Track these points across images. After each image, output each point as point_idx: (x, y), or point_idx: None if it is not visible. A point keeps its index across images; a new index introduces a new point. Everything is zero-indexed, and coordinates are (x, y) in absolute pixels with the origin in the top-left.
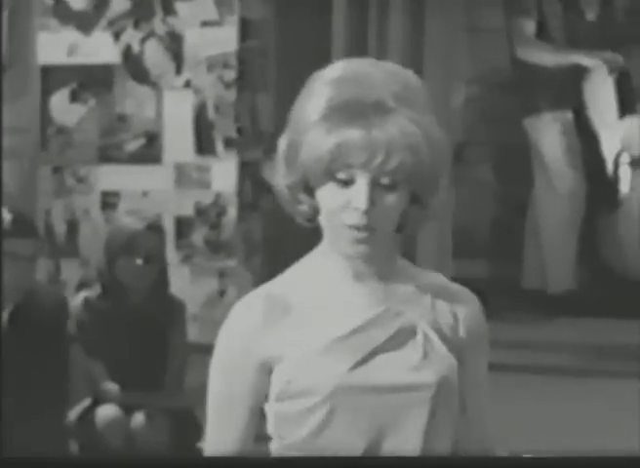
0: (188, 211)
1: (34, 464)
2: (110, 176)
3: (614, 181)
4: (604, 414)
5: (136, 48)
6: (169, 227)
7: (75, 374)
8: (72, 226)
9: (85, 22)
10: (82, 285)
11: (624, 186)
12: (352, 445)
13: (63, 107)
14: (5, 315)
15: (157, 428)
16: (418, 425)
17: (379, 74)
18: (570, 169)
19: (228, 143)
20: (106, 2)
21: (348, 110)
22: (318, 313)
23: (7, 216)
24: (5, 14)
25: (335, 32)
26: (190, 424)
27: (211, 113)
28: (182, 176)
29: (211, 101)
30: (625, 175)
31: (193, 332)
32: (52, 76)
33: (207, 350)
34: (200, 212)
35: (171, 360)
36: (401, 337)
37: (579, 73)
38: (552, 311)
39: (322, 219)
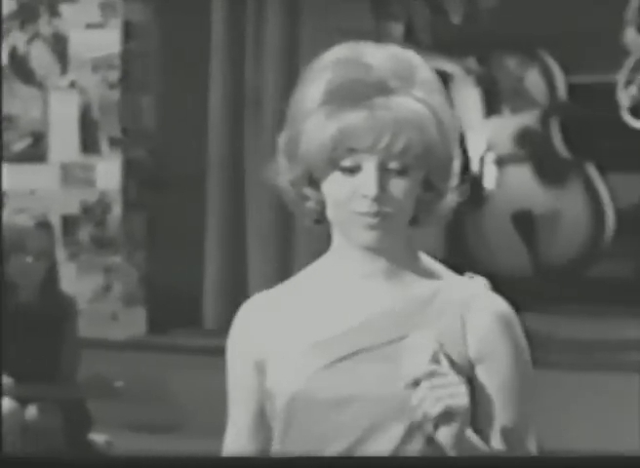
0: (74, 209)
1: (34, 464)
2: None
3: (479, 179)
4: None
5: (21, 49)
6: (56, 225)
7: None
8: None
9: None
10: None
11: (490, 183)
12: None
13: None
14: None
15: (50, 420)
16: (386, 445)
17: (378, 54)
18: None
19: (113, 143)
20: None
21: (349, 92)
22: (313, 314)
23: None
24: None
25: (214, 33)
26: (82, 415)
27: (95, 113)
28: (68, 175)
29: (95, 102)
30: (491, 172)
31: (81, 327)
32: None
33: (95, 344)
34: (86, 209)
35: (63, 354)
36: (388, 347)
37: (443, 77)
38: None
39: (330, 213)
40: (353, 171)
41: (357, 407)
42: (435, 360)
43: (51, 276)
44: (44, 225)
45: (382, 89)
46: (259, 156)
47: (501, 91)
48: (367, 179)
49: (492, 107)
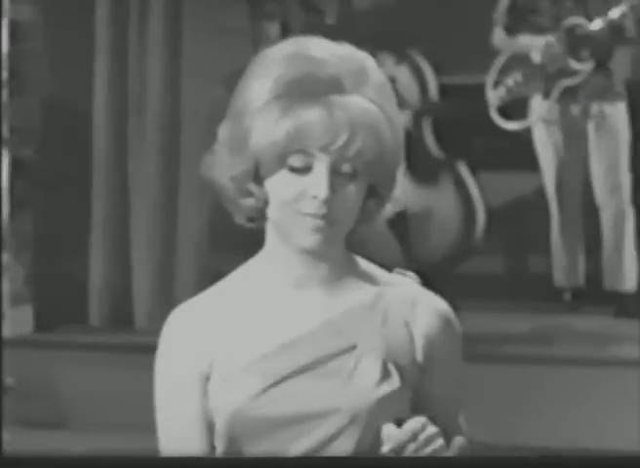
0: None
1: (34, 464)
2: None
3: None
4: None
5: None
6: None
7: None
8: None
9: None
10: None
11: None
12: None
13: None
14: None
15: None
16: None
17: (332, 51)
18: None
19: (0, 142)
20: None
21: (303, 88)
22: (251, 325)
23: None
24: None
25: (97, 34)
26: None
27: None
28: None
29: None
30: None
31: None
32: None
33: None
34: None
35: None
36: (333, 360)
37: None
38: None
39: (271, 212)
40: (303, 170)
41: (305, 425)
42: (385, 370)
43: None
44: None
45: (337, 86)
46: (142, 156)
47: None
48: (317, 180)
49: None
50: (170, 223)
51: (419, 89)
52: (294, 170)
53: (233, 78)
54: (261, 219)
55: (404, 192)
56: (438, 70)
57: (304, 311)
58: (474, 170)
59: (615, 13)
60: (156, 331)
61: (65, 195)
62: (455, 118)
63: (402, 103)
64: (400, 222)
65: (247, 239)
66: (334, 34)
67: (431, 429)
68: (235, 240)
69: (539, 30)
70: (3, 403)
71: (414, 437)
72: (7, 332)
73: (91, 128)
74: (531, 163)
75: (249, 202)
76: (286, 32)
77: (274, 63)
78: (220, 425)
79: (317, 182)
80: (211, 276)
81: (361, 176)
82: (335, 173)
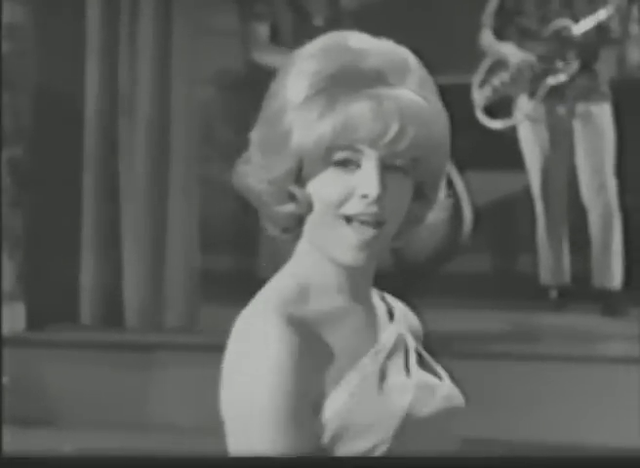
0: None
1: (34, 464)
2: None
3: None
4: None
5: None
6: None
7: None
8: None
9: None
10: None
11: None
12: None
13: None
14: None
15: None
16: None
17: (372, 44)
18: None
19: None
20: None
21: (346, 81)
22: (339, 339)
23: None
24: None
25: (88, 33)
26: None
27: None
28: None
29: None
30: None
31: None
32: None
33: None
34: None
35: None
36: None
37: None
38: None
39: (313, 218)
40: (350, 168)
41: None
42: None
43: None
44: None
45: (381, 78)
46: (133, 156)
47: None
48: (367, 178)
49: None
50: (160, 223)
51: None
52: (340, 168)
53: (223, 78)
54: (298, 229)
55: None
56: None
57: (372, 322)
58: (461, 169)
59: (601, 14)
60: (146, 330)
61: (56, 194)
62: None
63: None
64: None
65: (236, 240)
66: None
67: None
68: (224, 241)
69: (525, 32)
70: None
71: None
72: None
73: (82, 128)
74: (517, 162)
75: (289, 208)
76: (275, 33)
77: (312, 58)
78: (380, 438)
79: (367, 180)
80: (200, 276)
81: (409, 174)
82: (384, 169)
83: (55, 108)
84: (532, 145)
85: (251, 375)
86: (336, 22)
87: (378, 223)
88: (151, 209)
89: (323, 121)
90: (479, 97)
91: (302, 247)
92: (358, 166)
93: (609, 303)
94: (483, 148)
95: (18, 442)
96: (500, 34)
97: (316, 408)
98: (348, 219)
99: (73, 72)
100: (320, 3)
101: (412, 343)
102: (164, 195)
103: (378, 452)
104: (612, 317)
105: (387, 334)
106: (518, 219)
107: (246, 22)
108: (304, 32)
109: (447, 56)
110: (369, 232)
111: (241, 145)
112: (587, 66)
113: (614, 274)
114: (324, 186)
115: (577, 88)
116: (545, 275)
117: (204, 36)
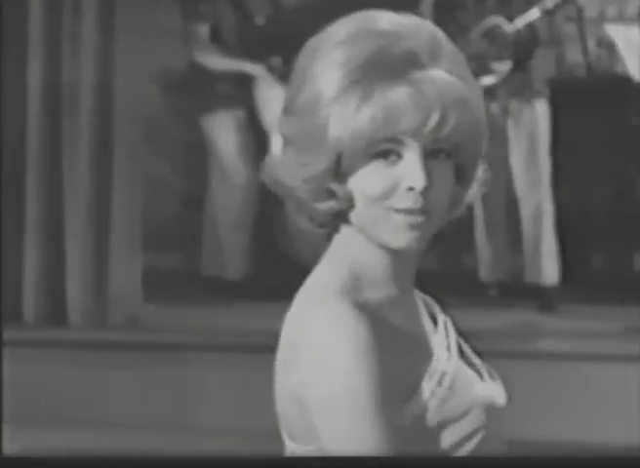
0: None
1: (34, 464)
2: None
3: None
4: None
5: None
6: None
7: None
8: None
9: None
10: None
11: None
12: None
13: None
14: None
15: None
16: None
17: (400, 22)
18: (243, 163)
19: None
20: None
21: (380, 67)
22: (397, 326)
23: None
24: None
25: (30, 29)
26: None
27: None
28: None
29: None
30: None
31: None
32: None
33: None
34: None
35: None
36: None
37: (248, 76)
38: (230, 296)
39: (357, 212)
40: (392, 160)
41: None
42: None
43: None
44: None
45: (414, 61)
46: (76, 154)
47: None
48: (411, 170)
49: None
50: (103, 221)
51: None
52: (380, 160)
53: (166, 77)
54: (335, 223)
55: None
56: None
57: (420, 311)
58: None
59: (532, 13)
60: (90, 328)
61: None
62: None
63: None
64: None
65: (179, 236)
66: (263, 35)
67: None
68: (168, 237)
69: (462, 27)
70: None
71: None
72: None
73: (24, 126)
74: None
75: (328, 205)
76: (216, 33)
77: (340, 46)
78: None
79: (411, 172)
80: (144, 274)
81: (451, 159)
82: (426, 157)
83: None
84: None
85: (334, 364)
86: (277, 21)
87: (425, 212)
88: (94, 207)
89: (361, 113)
90: None
91: (346, 236)
92: (399, 156)
93: (544, 299)
94: None
95: None
96: (437, 27)
97: (404, 394)
98: (397, 211)
99: (15, 70)
100: (261, 2)
101: (454, 333)
102: (107, 193)
103: (477, 439)
104: (548, 313)
105: (445, 323)
106: (458, 217)
107: (188, 22)
108: (246, 31)
109: None
110: (418, 219)
111: (184, 144)
112: (521, 65)
113: (546, 270)
114: (366, 180)
115: (510, 86)
116: (485, 272)
117: (147, 35)
